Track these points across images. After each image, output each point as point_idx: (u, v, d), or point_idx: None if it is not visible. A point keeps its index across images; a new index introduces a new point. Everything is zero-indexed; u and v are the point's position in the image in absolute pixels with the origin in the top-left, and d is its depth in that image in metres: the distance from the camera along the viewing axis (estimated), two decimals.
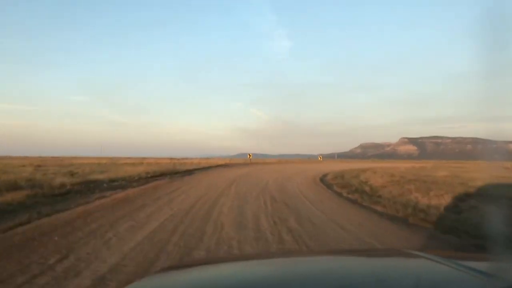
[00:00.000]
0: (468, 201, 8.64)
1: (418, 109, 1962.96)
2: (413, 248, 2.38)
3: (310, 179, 19.42)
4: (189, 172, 23.78)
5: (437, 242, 5.64)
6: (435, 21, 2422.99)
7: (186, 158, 76.74)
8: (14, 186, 10.40)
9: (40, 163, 30.24)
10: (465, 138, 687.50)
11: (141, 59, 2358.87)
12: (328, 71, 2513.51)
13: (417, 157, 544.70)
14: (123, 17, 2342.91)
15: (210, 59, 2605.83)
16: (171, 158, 74.48)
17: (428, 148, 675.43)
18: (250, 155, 49.44)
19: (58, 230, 5.97)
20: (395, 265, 1.52)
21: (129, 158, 73.43)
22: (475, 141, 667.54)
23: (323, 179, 19.67)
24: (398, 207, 8.57)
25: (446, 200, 9.18)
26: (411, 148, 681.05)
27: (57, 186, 11.15)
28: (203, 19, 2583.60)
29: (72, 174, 16.71)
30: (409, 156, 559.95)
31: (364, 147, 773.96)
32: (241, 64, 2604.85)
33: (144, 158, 70.15)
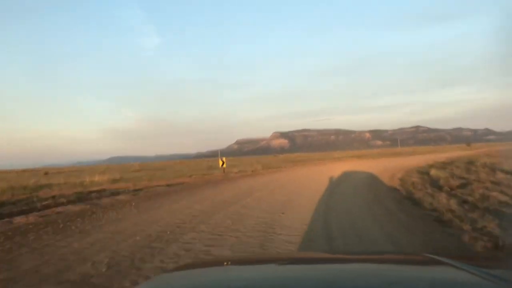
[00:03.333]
0: None
1: (288, 104, 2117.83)
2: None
3: None
4: None
5: None
6: (300, 21, 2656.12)
7: None
8: None
9: None
10: (329, 130, 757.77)
11: None
12: (200, 68, 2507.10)
13: (288, 150, 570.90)
14: None
15: (73, 56, 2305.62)
16: None
17: (297, 141, 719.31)
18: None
19: None
20: (410, 269, 1.46)
21: None
22: (337, 132, 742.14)
23: None
24: None
25: None
26: (283, 142, 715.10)
27: None
28: (65, 13, 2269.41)
29: None
30: (281, 150, 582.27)
31: (241, 143, 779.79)
32: (109, 62, 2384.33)
33: None
